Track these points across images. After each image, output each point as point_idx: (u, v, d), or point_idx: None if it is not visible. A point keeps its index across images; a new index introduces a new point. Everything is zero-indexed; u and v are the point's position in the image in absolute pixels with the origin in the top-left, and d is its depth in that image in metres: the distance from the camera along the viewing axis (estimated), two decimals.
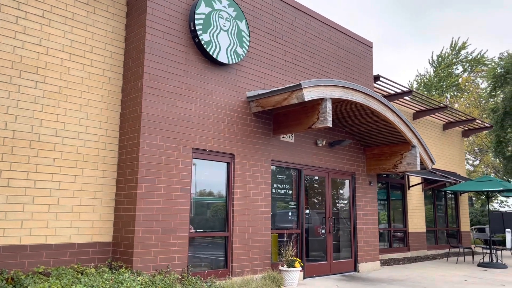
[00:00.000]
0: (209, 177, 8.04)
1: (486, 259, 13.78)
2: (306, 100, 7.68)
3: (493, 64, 20.97)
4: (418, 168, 10.34)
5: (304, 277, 9.17)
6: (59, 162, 6.64)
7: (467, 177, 19.07)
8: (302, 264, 8.47)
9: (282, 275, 8.14)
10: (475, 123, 18.09)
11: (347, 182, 10.87)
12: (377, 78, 12.59)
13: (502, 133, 20.93)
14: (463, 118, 17.25)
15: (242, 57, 8.45)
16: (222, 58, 8.07)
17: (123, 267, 6.57)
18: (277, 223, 9.06)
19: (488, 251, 13.92)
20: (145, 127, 6.97)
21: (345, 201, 10.75)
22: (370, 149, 11.26)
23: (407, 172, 12.51)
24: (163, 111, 7.24)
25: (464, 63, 38.34)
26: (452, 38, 47.54)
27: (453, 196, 18.19)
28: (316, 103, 8.19)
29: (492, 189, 12.16)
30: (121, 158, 7.25)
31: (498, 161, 26.27)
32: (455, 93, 37.08)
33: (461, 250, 15.61)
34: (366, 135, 10.77)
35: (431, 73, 39.73)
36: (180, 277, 7.01)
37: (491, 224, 24.23)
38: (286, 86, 8.13)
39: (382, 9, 63.15)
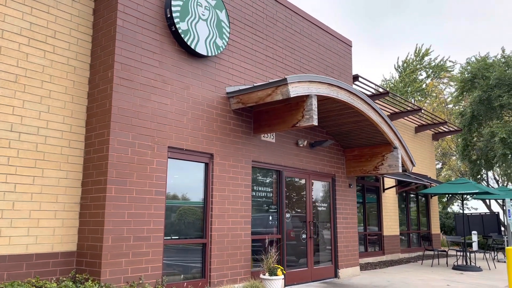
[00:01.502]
0: (185, 178, 7.37)
1: (460, 261, 13.77)
2: (291, 96, 7.18)
3: (460, 69, 21.31)
4: (400, 170, 10.06)
5: (285, 285, 8.63)
6: (14, 161, 5.79)
7: (437, 179, 19.22)
8: (285, 272, 7.94)
9: (263, 284, 7.56)
10: (445, 126, 18.24)
11: (327, 184, 10.45)
12: (355, 78, 12.30)
13: (469, 137, 21.29)
14: (435, 121, 17.33)
15: (222, 49, 7.85)
16: (201, 49, 7.43)
17: (89, 280, 5.79)
18: (256, 228, 8.48)
19: (462, 253, 13.91)
20: (115, 123, 6.23)
21: (325, 204, 10.32)
22: (350, 150, 10.91)
23: (387, 174, 12.27)
24: (136, 105, 6.52)
25: (427, 69, 39.34)
26: (416, 44, 48.75)
27: (424, 199, 18.25)
28: (301, 100, 7.70)
29: (467, 192, 12.11)
30: (87, 157, 6.47)
31: (463, 164, 26.83)
32: (420, 98, 37.88)
33: (435, 253, 15.58)
34: (346, 135, 10.40)
35: (396, 78, 40.51)
36: None
37: (457, 226, 24.72)
38: (270, 81, 7.59)
39: (337, 18, 64.12)
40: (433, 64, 38.64)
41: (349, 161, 10.94)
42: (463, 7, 57.28)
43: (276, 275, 7.68)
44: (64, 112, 6.38)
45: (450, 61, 26.37)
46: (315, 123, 7.48)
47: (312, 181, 9.95)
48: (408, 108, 15.49)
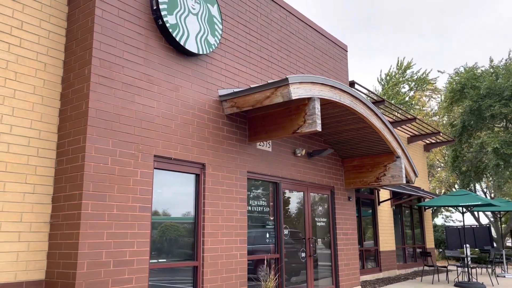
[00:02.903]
0: (174, 192, 6.47)
1: (461, 277, 13.08)
2: (293, 98, 6.41)
3: (449, 79, 21.03)
4: (404, 181, 9.36)
5: None
6: None
7: (431, 192, 18.69)
8: None
9: None
10: (438, 137, 17.78)
11: (325, 197, 9.66)
12: (351, 84, 11.67)
13: (459, 148, 20.92)
14: (428, 131, 16.84)
15: (214, 48, 7.05)
16: (191, 46, 6.62)
17: None
18: (252, 247, 7.60)
19: (463, 269, 13.24)
20: (93, 127, 5.32)
21: (324, 219, 9.51)
22: (349, 160, 10.17)
23: (389, 186, 11.57)
24: (117, 108, 5.63)
25: (410, 82, 39.42)
26: (398, 57, 49.26)
27: (417, 212, 17.64)
28: (302, 104, 6.94)
29: (469, 204, 11.51)
30: (59, 168, 5.52)
31: (452, 176, 26.50)
32: (404, 110, 37.89)
33: (435, 269, 14.88)
34: (346, 144, 9.67)
35: (379, 91, 40.44)
36: None
37: (449, 239, 24.19)
38: (269, 81, 6.82)
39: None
40: (416, 77, 38.79)
41: (348, 172, 10.20)
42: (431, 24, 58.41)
43: None
44: (31, 115, 5.44)
45: (438, 71, 26.18)
46: (319, 128, 6.72)
47: (311, 194, 9.15)
48: (403, 118, 14.95)
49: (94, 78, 5.42)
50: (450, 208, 33.79)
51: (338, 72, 10.66)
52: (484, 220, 35.66)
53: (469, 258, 12.27)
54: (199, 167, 6.72)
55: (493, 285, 12.16)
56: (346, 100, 7.69)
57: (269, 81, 6.87)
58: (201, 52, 6.77)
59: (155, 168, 6.06)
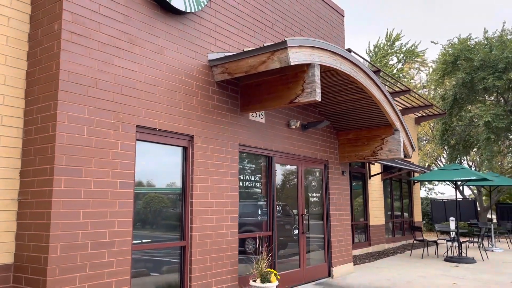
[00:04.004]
0: (159, 167, 5.87)
1: (450, 252, 12.98)
2: (291, 64, 5.78)
3: (441, 50, 20.51)
4: (402, 155, 8.92)
5: None
6: None
7: (421, 166, 18.48)
8: (279, 277, 6.64)
9: None
10: (430, 110, 17.40)
11: (319, 172, 9.19)
12: (348, 52, 11.00)
13: (449, 121, 20.66)
14: (420, 104, 16.42)
15: (203, 6, 6.31)
16: (178, 3, 5.88)
17: None
18: (244, 224, 7.11)
19: (452, 243, 13.14)
20: (65, 92, 4.63)
21: (317, 195, 9.07)
22: (344, 133, 9.66)
23: (386, 160, 11.16)
24: (93, 71, 4.93)
25: (398, 54, 38.85)
26: (387, 29, 48.43)
27: (407, 186, 17.45)
28: (300, 71, 6.32)
29: (464, 179, 11.22)
30: (27, 139, 4.85)
31: (439, 150, 26.43)
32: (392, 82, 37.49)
33: (425, 243, 14.77)
34: (342, 116, 9.13)
35: (366, 63, 39.86)
36: None
37: (434, 213, 24.31)
38: (265, 45, 6.15)
39: None
40: (404, 49, 38.21)
41: (343, 145, 9.71)
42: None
43: (270, 282, 6.37)
44: None
45: (432, 41, 25.61)
46: (319, 98, 6.14)
47: (304, 168, 8.65)
48: (397, 89, 14.45)
49: (65, 35, 4.69)
50: (433, 182, 34.06)
51: (334, 38, 9.99)
52: (467, 194, 36.05)
53: (457, 233, 12.12)
54: (187, 139, 6.11)
55: (483, 260, 12.09)
56: (346, 68, 7.09)
57: (265, 44, 6.21)
58: (188, 10, 6.04)
59: (137, 140, 5.43)
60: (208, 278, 6.10)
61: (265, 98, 6.74)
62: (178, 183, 6.03)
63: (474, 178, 11.07)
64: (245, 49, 6.59)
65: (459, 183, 12.27)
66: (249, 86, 6.98)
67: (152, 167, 5.73)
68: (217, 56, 6.49)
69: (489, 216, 25.12)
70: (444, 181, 12.67)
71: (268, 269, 6.52)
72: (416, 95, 15.26)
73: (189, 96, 6.11)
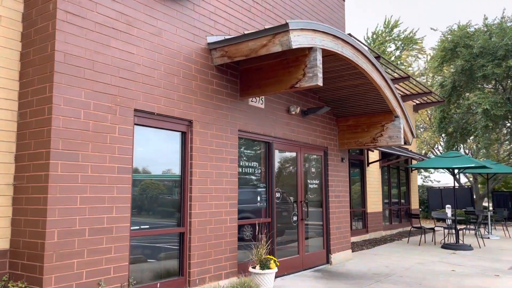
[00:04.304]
0: (157, 152, 5.76)
1: (447, 239, 13.02)
2: (293, 47, 5.65)
3: (441, 36, 20.34)
4: (402, 142, 8.85)
5: (275, 277, 7.31)
6: None
7: (419, 153, 18.45)
8: (278, 264, 6.60)
9: (253, 280, 6.20)
10: (428, 97, 17.31)
11: (319, 158, 9.11)
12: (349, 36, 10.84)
13: (447, 109, 20.59)
14: (419, 91, 16.31)
15: None
16: None
17: None
18: (243, 211, 7.05)
19: (449, 231, 13.18)
20: (61, 74, 4.50)
21: (317, 181, 9.00)
22: (344, 119, 9.56)
23: (386, 147, 11.09)
24: (90, 53, 4.78)
25: (396, 41, 38.62)
26: (385, 16, 48.12)
27: (404, 173, 17.44)
28: (301, 55, 6.19)
29: (463, 166, 11.18)
30: (22, 122, 4.73)
31: (436, 137, 26.43)
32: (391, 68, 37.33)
33: (423, 230, 14.82)
34: (343, 102, 9.02)
35: (366, 49, 39.60)
36: None
37: (430, 200, 24.38)
38: (266, 27, 6.01)
39: None
40: (403, 36, 37.95)
41: (342, 132, 9.62)
42: None
43: (269, 268, 6.33)
44: None
45: (431, 28, 25.39)
46: (320, 83, 6.02)
47: (304, 154, 8.57)
48: (396, 76, 14.33)
49: (60, 15, 4.53)
50: (429, 169, 34.16)
51: (334, 23, 9.83)
52: (463, 182, 36.21)
53: (452, 220, 12.13)
54: (186, 124, 5.99)
55: (480, 247, 12.13)
56: (348, 53, 6.96)
57: (266, 27, 6.06)
58: None
59: (135, 124, 5.31)
60: (207, 264, 6.05)
61: (265, 83, 6.62)
62: (177, 169, 5.93)
63: (473, 165, 11.03)
64: (245, 32, 6.43)
65: (456, 171, 12.21)
66: (249, 70, 6.84)
67: (150, 152, 5.62)
68: (217, 39, 6.34)
69: (484, 204, 25.30)
70: (443, 168, 12.62)
71: (268, 256, 6.48)
72: (415, 82, 15.14)
73: (188, 80, 5.98)
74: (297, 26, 5.70)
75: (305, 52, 6.12)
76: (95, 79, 4.81)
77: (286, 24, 5.56)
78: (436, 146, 29.26)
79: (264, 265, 6.32)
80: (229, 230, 6.46)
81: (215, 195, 6.26)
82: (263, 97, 7.40)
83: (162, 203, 5.75)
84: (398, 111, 8.77)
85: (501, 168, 14.48)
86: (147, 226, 5.51)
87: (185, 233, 5.86)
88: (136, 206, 5.36)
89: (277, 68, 6.45)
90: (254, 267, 6.40)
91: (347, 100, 8.87)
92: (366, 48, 12.54)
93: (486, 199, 26.84)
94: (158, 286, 5.42)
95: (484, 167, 11.53)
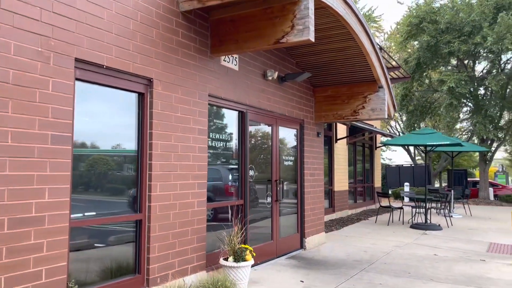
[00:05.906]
0: (106, 117, 4.46)
1: (415, 219, 12.64)
2: None
3: (406, 11, 19.84)
4: (385, 115, 8.02)
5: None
6: None
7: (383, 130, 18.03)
8: (254, 254, 5.57)
9: (228, 275, 5.16)
10: (396, 72, 16.73)
11: (294, 132, 8.10)
12: None
13: (410, 86, 20.30)
14: (388, 65, 15.65)
15: None
16: None
17: None
18: (212, 192, 5.93)
19: (417, 210, 12.82)
20: None
21: (291, 158, 8.01)
22: (322, 89, 8.57)
23: (368, 120, 10.27)
24: None
25: None
26: None
27: (369, 151, 16.96)
28: (289, 2, 5.04)
29: (437, 143, 10.66)
30: None
31: (395, 116, 26.38)
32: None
33: (391, 209, 14.42)
34: (322, 69, 8.00)
35: None
36: None
37: (388, 178, 24.41)
38: None
39: None
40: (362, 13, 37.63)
41: (319, 103, 8.64)
42: None
43: (245, 260, 5.30)
44: None
45: (398, 1, 24.88)
46: (312, 37, 4.93)
47: (280, 127, 7.52)
48: None
49: None
50: (384, 147, 34.49)
51: None
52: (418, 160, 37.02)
53: (425, 199, 11.71)
54: (144, 84, 4.71)
55: (448, 226, 11.83)
56: (339, 8, 5.89)
57: None
58: None
59: (77, 79, 3.99)
60: (170, 258, 4.91)
61: (243, 37, 5.42)
62: (133, 140, 4.68)
63: (449, 143, 10.52)
64: None
65: (429, 148, 11.72)
66: (222, 21, 5.60)
67: (98, 118, 4.31)
68: None
69: (436, 182, 25.75)
70: (417, 145, 12.11)
71: (242, 245, 5.44)
72: (386, 55, 14.43)
73: (147, 26, 4.67)
74: None
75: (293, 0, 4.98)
76: (18, 11, 3.42)
77: None
78: (395, 125, 29.34)
79: (239, 257, 5.28)
80: (196, 215, 5.33)
81: (181, 173, 5.08)
82: (237, 56, 6.21)
83: (113, 183, 4.50)
84: (383, 80, 7.91)
85: (473, 147, 14.28)
86: (94, 213, 4.26)
87: (143, 220, 4.66)
88: (79, 187, 4.09)
89: (259, 19, 5.26)
90: (226, 259, 5.35)
91: (328, 67, 7.86)
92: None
93: (438, 177, 27.23)
94: None
95: (459, 144, 11.08)
